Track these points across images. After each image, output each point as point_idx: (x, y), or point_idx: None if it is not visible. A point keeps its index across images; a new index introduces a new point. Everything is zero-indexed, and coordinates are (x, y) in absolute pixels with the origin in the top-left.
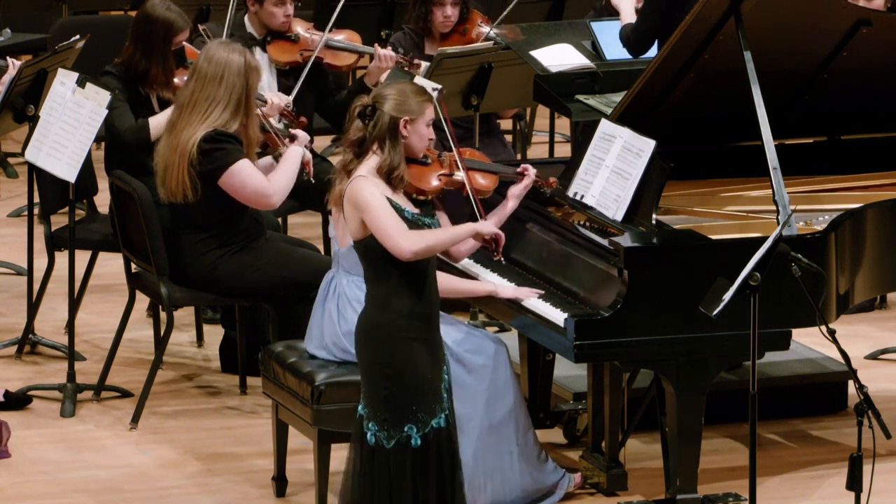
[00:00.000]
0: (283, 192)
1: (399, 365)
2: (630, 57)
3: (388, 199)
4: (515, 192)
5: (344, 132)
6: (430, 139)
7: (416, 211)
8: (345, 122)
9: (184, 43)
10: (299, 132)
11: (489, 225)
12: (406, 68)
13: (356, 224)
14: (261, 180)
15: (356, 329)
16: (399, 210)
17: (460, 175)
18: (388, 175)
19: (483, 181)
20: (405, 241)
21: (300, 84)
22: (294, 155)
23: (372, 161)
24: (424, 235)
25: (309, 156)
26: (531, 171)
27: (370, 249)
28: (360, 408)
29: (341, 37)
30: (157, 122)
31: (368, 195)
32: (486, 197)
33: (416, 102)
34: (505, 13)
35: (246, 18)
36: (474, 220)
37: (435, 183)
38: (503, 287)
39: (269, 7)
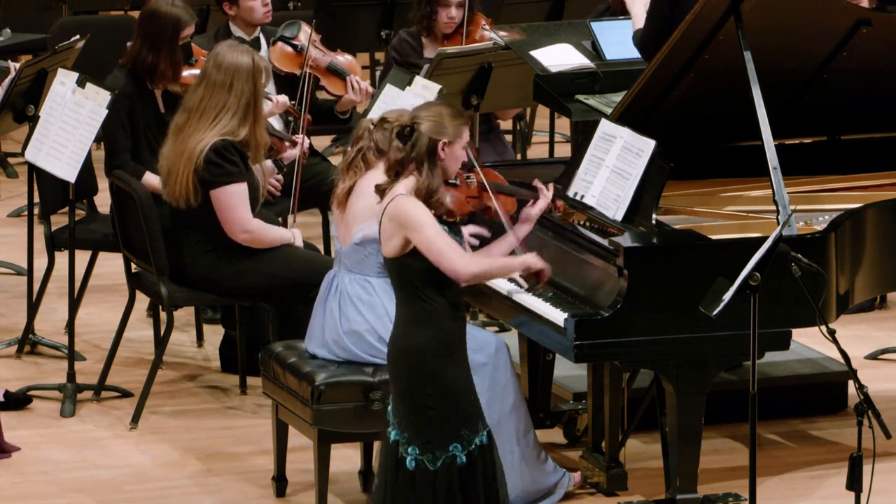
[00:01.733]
0: (257, 238)
1: (443, 385)
2: (630, 57)
3: None
4: (531, 215)
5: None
6: (462, 161)
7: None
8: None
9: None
10: (299, 138)
11: (535, 258)
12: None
13: (397, 242)
14: (245, 212)
15: (389, 351)
16: None
17: (486, 197)
18: (427, 198)
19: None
20: (461, 264)
21: (305, 99)
22: (287, 237)
23: (409, 182)
24: (478, 261)
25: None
26: (546, 191)
27: (406, 269)
28: (392, 433)
29: (343, 59)
30: (149, 181)
31: (421, 214)
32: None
33: (454, 126)
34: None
35: (231, 25)
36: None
37: (465, 205)
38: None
39: (244, 3)
